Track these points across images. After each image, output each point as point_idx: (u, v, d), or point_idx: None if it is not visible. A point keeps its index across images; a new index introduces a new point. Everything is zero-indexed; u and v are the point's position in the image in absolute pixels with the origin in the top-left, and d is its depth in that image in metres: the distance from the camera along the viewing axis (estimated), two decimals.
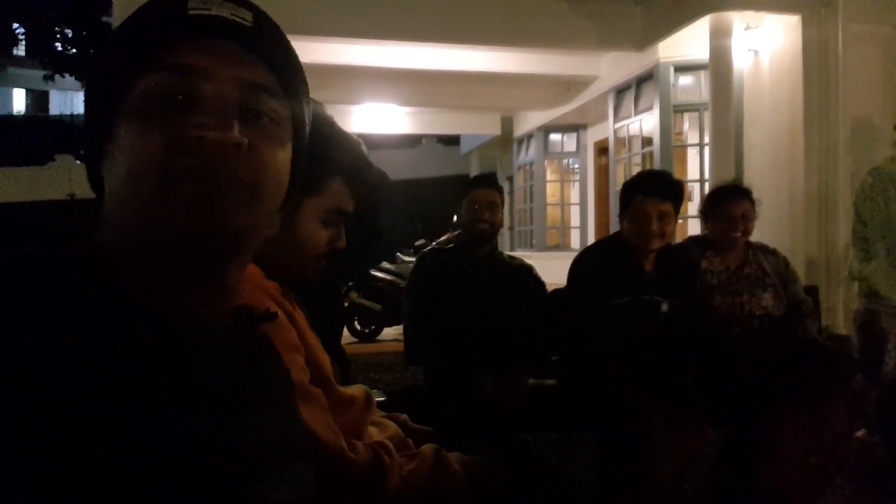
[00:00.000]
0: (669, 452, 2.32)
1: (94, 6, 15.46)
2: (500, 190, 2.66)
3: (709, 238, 2.74)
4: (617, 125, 8.14)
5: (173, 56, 0.60)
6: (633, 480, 2.12)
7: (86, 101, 0.66)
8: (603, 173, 9.68)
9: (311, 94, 0.73)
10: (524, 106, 10.42)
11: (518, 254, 3.79)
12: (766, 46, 5.76)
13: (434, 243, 6.07)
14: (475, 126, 12.02)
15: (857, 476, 2.62)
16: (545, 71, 7.88)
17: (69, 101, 24.38)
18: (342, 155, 1.11)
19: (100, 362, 0.52)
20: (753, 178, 5.17)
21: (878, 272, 3.00)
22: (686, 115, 7.26)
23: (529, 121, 10.91)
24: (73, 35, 18.55)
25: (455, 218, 3.38)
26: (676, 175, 2.80)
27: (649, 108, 7.18)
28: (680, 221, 6.30)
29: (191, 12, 0.60)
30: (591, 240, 9.44)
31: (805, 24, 5.24)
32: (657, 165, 6.75)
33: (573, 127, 10.46)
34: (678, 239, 3.86)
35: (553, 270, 3.71)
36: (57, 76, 18.47)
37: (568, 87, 8.80)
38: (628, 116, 7.78)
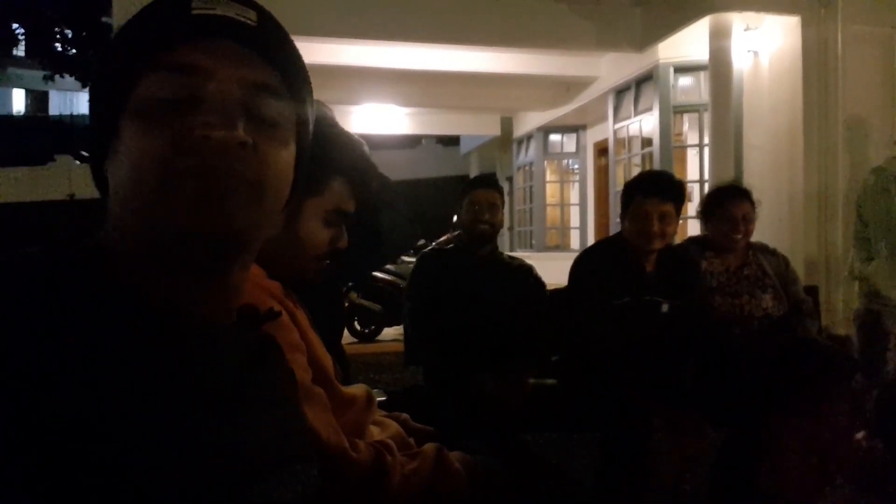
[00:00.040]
0: (669, 452, 2.33)
1: (94, 6, 15.45)
2: (500, 190, 2.66)
3: (709, 239, 2.74)
4: (616, 126, 8.15)
5: (177, 56, 0.60)
6: (633, 480, 2.12)
7: (90, 101, 0.66)
8: (602, 174, 9.69)
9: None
10: (524, 106, 10.42)
11: (518, 254, 3.80)
12: (765, 47, 5.77)
13: (434, 243, 6.07)
14: (475, 127, 12.02)
15: (856, 476, 2.62)
16: (545, 72, 7.88)
17: (69, 101, 24.39)
18: (344, 155, 1.12)
19: (103, 362, 0.52)
20: (753, 179, 5.18)
21: (879, 272, 3.00)
22: (686, 116, 7.27)
23: (529, 121, 10.91)
24: (72, 35, 18.54)
25: (455, 218, 3.38)
26: (676, 176, 2.81)
27: (649, 109, 7.19)
28: (679, 222, 6.31)
29: (195, 12, 0.60)
30: (591, 240, 9.44)
31: (804, 25, 5.24)
32: (657, 166, 6.76)
33: (573, 127, 10.46)
34: (678, 239, 3.87)
35: (553, 271, 3.72)
36: (57, 76, 18.47)
37: (568, 87, 8.80)
38: (628, 117, 7.78)
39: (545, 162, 10.92)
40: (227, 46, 0.61)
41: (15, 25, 19.32)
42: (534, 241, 10.97)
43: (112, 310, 0.56)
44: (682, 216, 2.44)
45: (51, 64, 18.33)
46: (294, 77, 0.66)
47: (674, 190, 2.38)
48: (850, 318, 3.34)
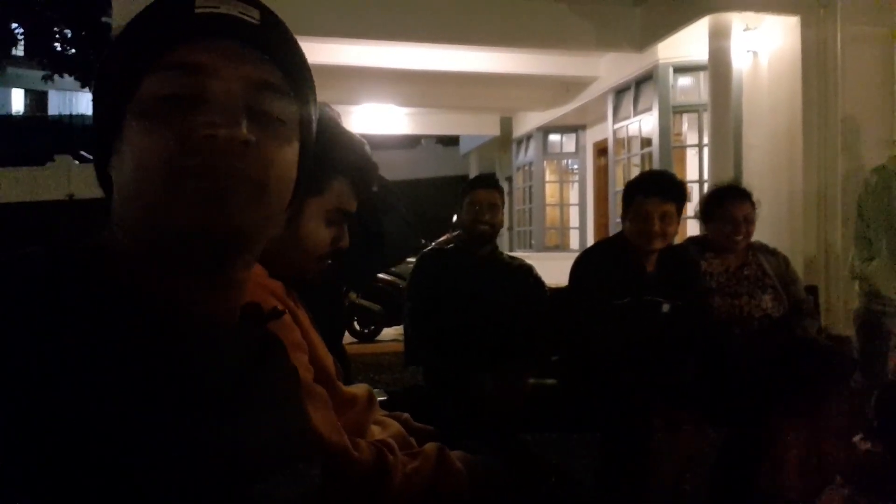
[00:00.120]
0: (669, 452, 2.33)
1: (93, 6, 15.43)
2: (500, 190, 2.66)
3: (708, 239, 2.74)
4: (616, 126, 8.15)
5: (180, 54, 0.60)
6: (633, 480, 2.12)
7: (93, 100, 0.66)
8: (602, 174, 9.69)
9: None
10: (523, 106, 10.42)
11: (517, 254, 3.80)
12: (764, 47, 5.77)
13: (434, 243, 6.07)
14: (474, 127, 12.02)
15: (856, 476, 2.62)
16: (544, 72, 7.88)
17: (68, 101, 24.38)
18: (346, 155, 1.12)
19: (105, 362, 0.52)
20: (752, 179, 5.18)
21: (879, 271, 3.00)
22: (685, 116, 7.26)
23: (529, 121, 10.91)
24: (72, 35, 18.52)
25: (455, 218, 3.38)
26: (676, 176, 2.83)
27: (648, 109, 7.19)
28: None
29: (198, 10, 0.60)
30: (591, 240, 9.44)
31: (804, 26, 5.24)
32: (656, 166, 6.76)
33: (572, 128, 10.46)
34: (678, 240, 3.86)
35: (552, 271, 3.72)
36: (56, 76, 18.44)
37: (567, 87, 8.80)
38: (627, 117, 7.78)
39: (545, 162, 10.92)
40: (230, 45, 0.61)
41: (14, 25, 19.30)
42: (533, 242, 10.97)
43: (114, 309, 0.56)
44: (681, 216, 2.44)
45: (50, 64, 18.31)
46: (297, 75, 0.66)
47: (675, 190, 2.38)
48: (850, 318, 3.34)
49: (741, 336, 2.53)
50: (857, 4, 5.05)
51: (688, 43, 6.25)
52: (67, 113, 23.36)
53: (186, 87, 0.59)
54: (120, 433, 0.50)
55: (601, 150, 9.58)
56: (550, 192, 11.02)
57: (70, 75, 18.42)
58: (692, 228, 5.47)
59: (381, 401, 1.32)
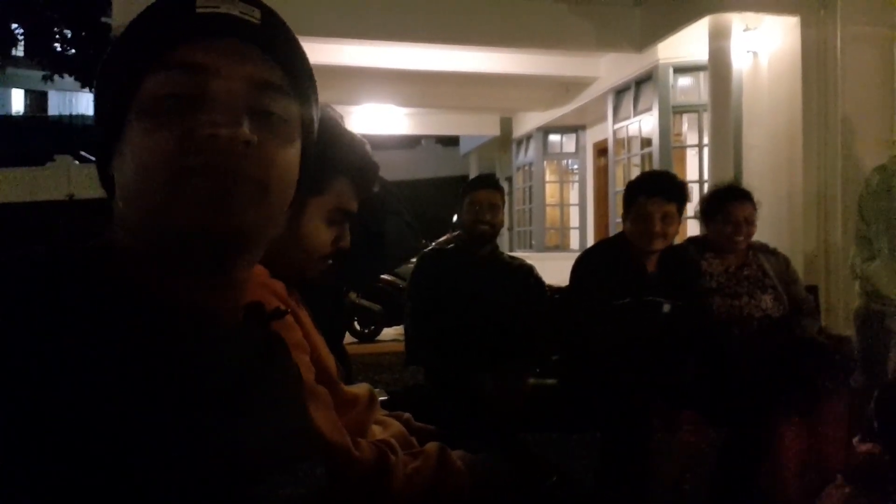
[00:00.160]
0: (669, 452, 2.33)
1: (93, 6, 15.41)
2: (501, 191, 2.66)
3: (709, 239, 2.74)
4: (616, 126, 8.15)
5: (182, 54, 0.60)
6: (633, 480, 2.12)
7: (95, 100, 0.66)
8: (602, 174, 9.69)
9: None
10: (523, 107, 10.42)
11: (517, 254, 3.80)
12: (764, 48, 5.77)
13: (434, 243, 6.07)
14: (474, 127, 12.02)
15: (856, 476, 2.62)
16: (544, 72, 7.87)
17: (68, 101, 24.37)
18: (347, 154, 1.12)
19: (108, 361, 0.52)
20: (752, 179, 5.18)
21: (880, 271, 2.99)
22: (685, 116, 7.26)
23: (528, 122, 10.91)
24: (72, 36, 18.51)
25: (455, 218, 3.38)
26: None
27: (648, 109, 7.19)
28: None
29: (199, 10, 0.60)
30: (591, 241, 9.44)
31: (804, 26, 5.24)
32: (656, 166, 6.75)
33: (572, 128, 10.45)
34: (679, 240, 3.87)
35: (552, 271, 3.72)
36: (56, 77, 18.42)
37: (567, 88, 8.80)
38: (627, 117, 7.78)
39: (545, 162, 10.91)
40: (232, 44, 0.61)
41: (14, 25, 19.29)
42: (533, 242, 10.97)
43: (116, 309, 0.56)
44: (682, 216, 2.44)
45: (50, 64, 18.29)
46: (299, 75, 0.66)
47: (676, 190, 2.38)
48: (850, 317, 3.34)
49: (741, 336, 2.53)
50: (857, 4, 5.05)
51: (688, 43, 6.24)
52: (67, 113, 23.36)
53: (188, 86, 0.59)
54: (122, 433, 0.50)
55: (601, 150, 9.58)
56: (550, 192, 11.02)
57: (70, 75, 18.40)
58: (692, 228, 5.47)
59: (382, 401, 1.32)
